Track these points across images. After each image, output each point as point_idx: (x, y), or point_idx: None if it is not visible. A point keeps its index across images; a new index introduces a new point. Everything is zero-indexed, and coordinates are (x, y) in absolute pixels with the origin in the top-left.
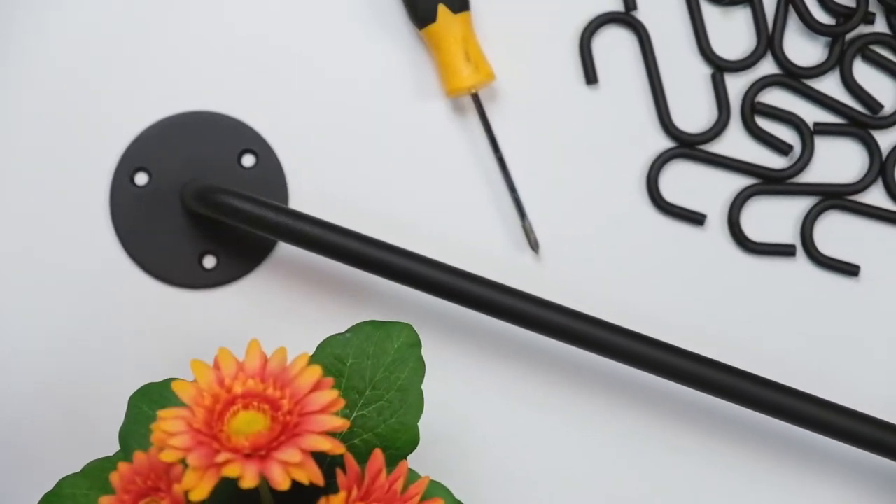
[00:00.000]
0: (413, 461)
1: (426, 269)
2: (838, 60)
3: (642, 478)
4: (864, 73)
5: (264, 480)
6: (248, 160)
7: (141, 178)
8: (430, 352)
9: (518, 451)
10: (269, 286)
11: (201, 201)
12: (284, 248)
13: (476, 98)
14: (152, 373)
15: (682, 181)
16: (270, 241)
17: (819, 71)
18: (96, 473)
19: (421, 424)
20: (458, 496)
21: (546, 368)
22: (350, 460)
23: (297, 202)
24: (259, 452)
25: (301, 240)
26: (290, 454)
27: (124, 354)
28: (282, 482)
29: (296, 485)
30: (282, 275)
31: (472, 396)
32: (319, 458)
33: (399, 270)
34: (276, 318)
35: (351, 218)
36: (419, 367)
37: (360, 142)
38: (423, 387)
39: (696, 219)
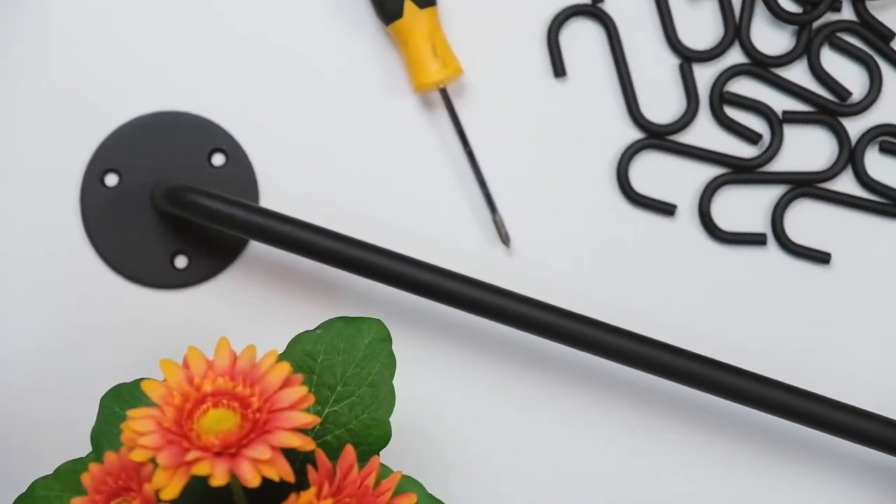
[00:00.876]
0: (387, 457)
1: (397, 264)
2: (806, 48)
3: (614, 467)
4: (831, 61)
5: (236, 478)
6: (218, 159)
7: (111, 180)
8: (403, 347)
9: (491, 444)
10: (241, 285)
11: (171, 201)
12: (256, 247)
13: (444, 93)
14: (125, 374)
15: (652, 172)
16: (242, 239)
17: (787, 59)
18: (69, 475)
19: (394, 420)
20: (431, 490)
21: (518, 361)
22: (321, 456)
23: (267, 200)
24: (229, 450)
25: (271, 238)
26: (260, 451)
27: (96, 355)
28: (252, 479)
29: (269, 482)
30: (254, 273)
31: (444, 391)
32: (292, 454)
33: (370, 266)
34: (248, 316)
35: (322, 215)
36: (390, 362)
37: (330, 139)
38: (396, 382)
39: (666, 209)
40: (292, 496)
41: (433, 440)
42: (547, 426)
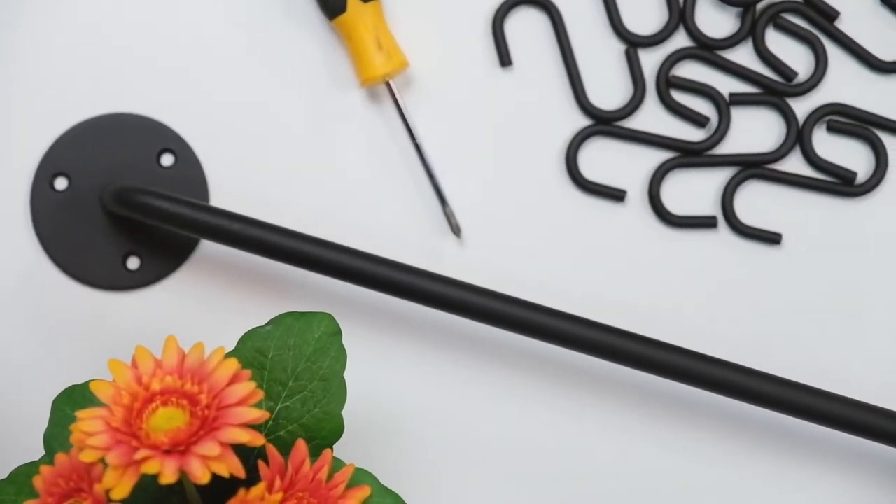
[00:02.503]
0: (342, 450)
1: (346, 258)
2: (751, 30)
3: (570, 455)
4: (776, 42)
5: (187, 476)
6: (167, 160)
7: (61, 183)
8: (357, 341)
9: (446, 434)
10: (194, 284)
11: (120, 203)
12: (207, 246)
13: (390, 86)
14: (80, 376)
15: (601, 159)
16: (193, 239)
17: (732, 42)
18: (23, 479)
19: (348, 413)
20: (386, 482)
21: (471, 351)
22: (272, 451)
23: (217, 199)
24: (178, 448)
25: (220, 236)
26: (209, 448)
27: (50, 358)
28: (201, 476)
29: (223, 479)
30: (206, 272)
31: (398, 383)
32: (246, 451)
33: (319, 261)
34: (202, 315)
35: (273, 211)
36: (340, 356)
37: (279, 136)
38: (350, 376)
39: (616, 195)
40: (241, 491)
41: (389, 432)
42: (502, 415)
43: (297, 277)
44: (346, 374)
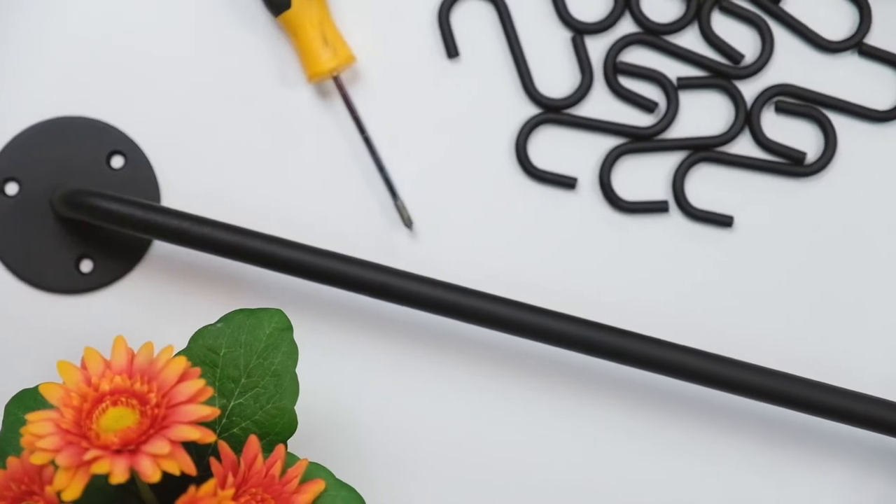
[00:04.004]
0: (299, 446)
1: (297, 254)
2: (696, 14)
3: (527, 447)
4: (722, 25)
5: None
6: (118, 161)
7: (11, 188)
8: (310, 336)
9: (401, 427)
10: (149, 285)
11: (70, 206)
12: (160, 246)
13: (338, 81)
14: (34, 380)
15: (551, 147)
16: (145, 240)
17: (678, 26)
18: None
19: (303, 409)
20: (342, 477)
21: (424, 343)
22: (225, 448)
23: (169, 199)
24: (129, 447)
25: (171, 235)
26: (159, 446)
27: (4, 364)
28: (151, 475)
29: (179, 477)
30: (160, 272)
31: (353, 377)
32: (202, 449)
33: (271, 257)
34: (157, 315)
35: (225, 210)
36: (292, 351)
37: (228, 134)
38: (303, 371)
39: (567, 183)
40: (191, 488)
41: (344, 427)
42: (456, 407)
43: (251, 275)
44: (299, 370)
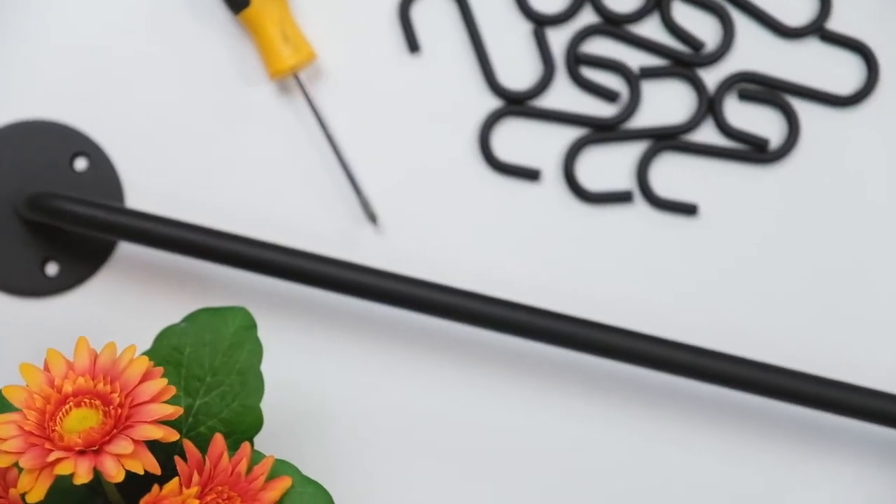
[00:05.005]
0: (266, 443)
1: (260, 251)
2: (657, 3)
3: (500, 440)
4: (683, 14)
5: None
6: (81, 164)
7: None
8: (277, 333)
9: (368, 422)
10: (115, 286)
11: (34, 209)
12: (125, 247)
13: (299, 78)
14: (1, 384)
15: (515, 139)
16: (110, 241)
17: (639, 15)
18: None
19: (269, 407)
20: (309, 473)
21: (392, 338)
22: (189, 446)
23: (133, 200)
24: (92, 448)
25: (135, 236)
26: (122, 446)
27: None
28: (115, 475)
29: (145, 477)
30: (126, 273)
31: (320, 374)
32: (169, 449)
33: (235, 256)
34: (123, 316)
35: (190, 210)
36: (256, 349)
37: (191, 134)
38: (270, 369)
39: (531, 175)
40: (155, 487)
41: (310, 423)
42: (423, 401)
43: (217, 274)
44: (265, 367)
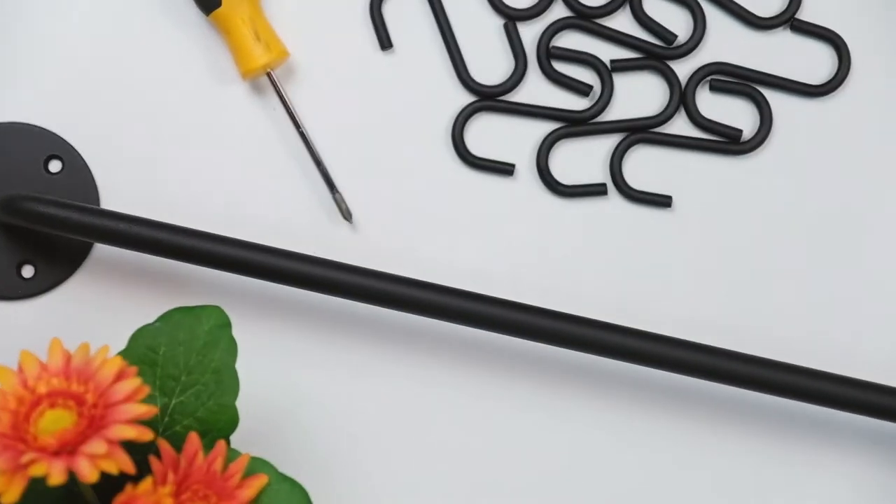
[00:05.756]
0: (243, 441)
1: (235, 250)
2: None
3: (476, 437)
4: (654, 6)
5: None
6: (55, 166)
7: None
8: (253, 331)
9: (344, 420)
10: (91, 287)
11: (8, 211)
12: (101, 249)
13: (272, 77)
14: None
15: (488, 134)
16: (86, 243)
17: (610, 9)
18: None
19: (246, 405)
20: (286, 471)
21: (367, 335)
22: (164, 445)
23: (108, 201)
24: (67, 449)
25: (109, 237)
26: (96, 446)
27: None
28: (89, 475)
29: (121, 477)
30: (103, 275)
31: (296, 370)
32: (145, 449)
33: (210, 255)
34: (100, 318)
35: (165, 210)
36: (231, 347)
37: (166, 135)
38: (246, 367)
39: (505, 170)
40: (128, 487)
41: (287, 421)
42: (399, 399)
43: (194, 273)
44: (241, 366)
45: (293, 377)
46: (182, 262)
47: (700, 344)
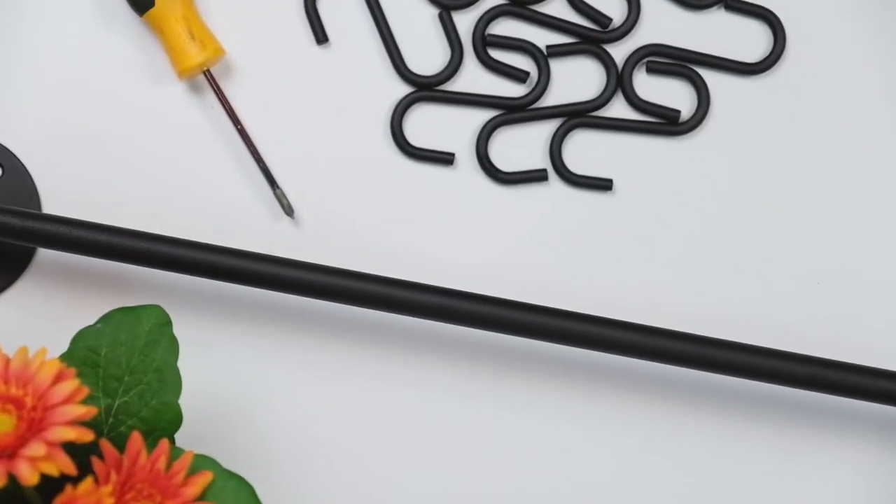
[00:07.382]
0: (189, 440)
1: (174, 249)
2: None
3: (438, 435)
4: None
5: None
6: None
7: None
8: (197, 329)
9: (290, 414)
10: (36, 293)
11: None
12: (45, 254)
13: (209, 75)
14: None
15: (427, 124)
16: (29, 249)
17: None
18: None
19: (191, 402)
20: (232, 467)
21: (312, 329)
22: (106, 445)
23: (51, 206)
24: (6, 452)
25: (50, 241)
26: (36, 449)
27: None
28: (29, 477)
29: (63, 479)
30: (47, 279)
31: (240, 367)
32: (88, 450)
33: (150, 255)
34: (47, 322)
35: (107, 213)
36: (172, 346)
37: (105, 138)
38: (191, 365)
39: (445, 159)
40: (68, 487)
41: (233, 417)
42: (344, 391)
43: (137, 274)
44: (186, 365)
45: (238, 374)
46: (126, 264)
47: (644, 325)
